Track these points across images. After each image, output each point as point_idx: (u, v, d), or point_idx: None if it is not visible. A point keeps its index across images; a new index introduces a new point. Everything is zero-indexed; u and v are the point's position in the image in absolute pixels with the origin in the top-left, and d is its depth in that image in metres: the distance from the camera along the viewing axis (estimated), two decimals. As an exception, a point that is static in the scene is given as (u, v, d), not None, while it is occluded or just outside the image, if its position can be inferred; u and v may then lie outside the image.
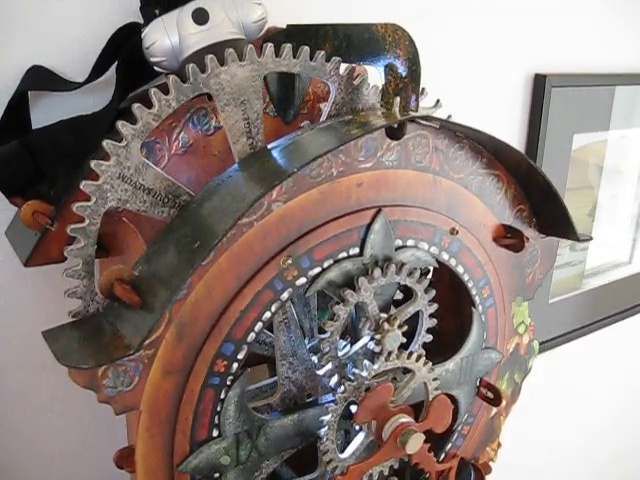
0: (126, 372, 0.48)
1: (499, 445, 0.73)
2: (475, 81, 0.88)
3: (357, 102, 0.55)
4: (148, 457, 0.51)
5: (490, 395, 0.67)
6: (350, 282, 0.54)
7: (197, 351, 0.50)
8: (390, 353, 0.56)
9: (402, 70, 0.52)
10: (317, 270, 0.53)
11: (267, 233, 0.50)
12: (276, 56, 0.51)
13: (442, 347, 0.65)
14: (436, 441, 0.64)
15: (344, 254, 0.54)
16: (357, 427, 0.59)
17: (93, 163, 0.47)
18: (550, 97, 0.91)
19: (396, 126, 0.52)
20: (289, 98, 0.61)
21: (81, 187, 0.47)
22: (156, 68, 0.57)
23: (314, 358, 0.60)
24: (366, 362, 0.56)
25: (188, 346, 0.49)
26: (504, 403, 0.71)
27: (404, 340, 0.57)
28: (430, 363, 0.59)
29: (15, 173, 0.55)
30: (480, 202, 0.61)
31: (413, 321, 0.61)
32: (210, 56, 0.48)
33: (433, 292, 0.58)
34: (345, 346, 0.58)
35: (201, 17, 0.54)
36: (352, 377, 0.56)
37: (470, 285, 0.62)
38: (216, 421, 0.52)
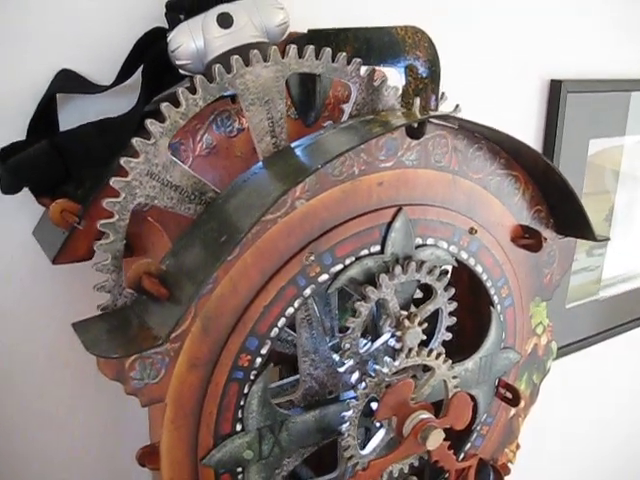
0: (153, 365, 0.49)
1: (518, 446, 0.74)
2: (491, 86, 0.89)
3: (377, 103, 0.56)
4: (173, 450, 0.51)
5: (509, 395, 0.68)
6: (371, 279, 0.55)
7: (222, 345, 0.51)
8: (410, 350, 0.57)
9: (422, 71, 0.53)
10: (339, 267, 0.54)
11: (291, 230, 0.51)
12: (299, 58, 0.52)
13: (461, 347, 0.65)
14: (455, 441, 0.64)
15: (365, 251, 0.55)
16: (378, 424, 0.60)
17: (122, 160, 0.48)
18: (566, 102, 0.92)
19: (416, 125, 0.53)
20: (310, 101, 0.62)
21: (111, 183, 0.48)
22: (181, 71, 0.58)
23: (335, 356, 0.60)
24: (387, 358, 0.57)
25: (213, 340, 0.50)
26: (523, 404, 0.72)
27: (424, 337, 0.58)
28: (450, 361, 0.59)
29: (44, 173, 0.56)
30: (498, 202, 0.61)
31: (433, 320, 0.62)
32: (235, 57, 0.50)
33: (452, 290, 0.59)
34: (366, 344, 0.59)
35: (225, 21, 0.56)
36: (373, 373, 0.56)
37: (489, 285, 0.63)
38: (239, 415, 0.53)
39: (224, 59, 0.54)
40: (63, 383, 0.70)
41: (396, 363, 0.57)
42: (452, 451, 0.60)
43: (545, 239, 0.64)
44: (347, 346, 0.56)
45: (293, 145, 0.52)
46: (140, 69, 0.61)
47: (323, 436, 0.58)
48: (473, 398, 0.66)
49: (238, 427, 0.53)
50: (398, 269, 0.55)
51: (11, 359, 0.67)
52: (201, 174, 0.56)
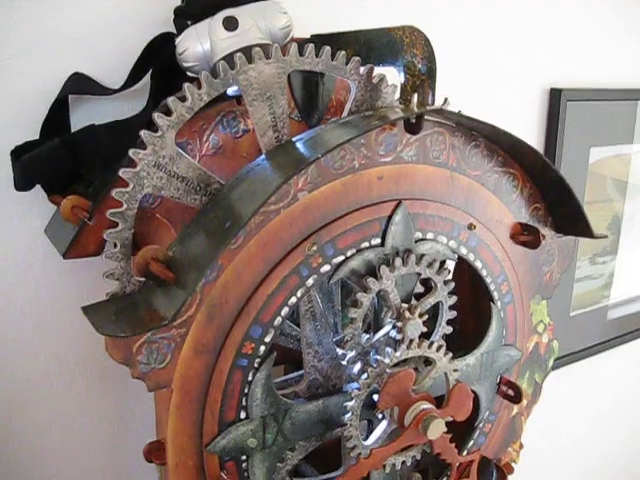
0: (159, 349, 0.50)
1: (521, 446, 0.74)
2: (491, 95, 0.91)
3: (376, 100, 0.58)
4: (178, 436, 0.53)
5: (510, 393, 0.69)
6: (372, 272, 0.57)
7: (226, 332, 0.52)
8: (411, 341, 0.58)
9: (419, 68, 0.55)
10: (341, 258, 0.55)
11: (293, 221, 0.53)
12: (300, 56, 0.54)
13: (463, 348, 0.66)
14: (458, 438, 0.65)
15: (366, 244, 0.56)
16: (380, 416, 0.61)
17: (131, 151, 0.50)
18: (566, 111, 0.94)
19: (414, 120, 0.55)
20: (313, 103, 0.64)
21: (120, 174, 0.50)
22: (189, 73, 0.61)
23: (339, 350, 0.62)
24: (388, 349, 0.58)
25: (218, 327, 0.52)
26: (525, 402, 0.73)
27: (425, 330, 0.59)
28: (450, 354, 0.60)
29: (55, 169, 0.58)
30: (497, 199, 0.63)
31: (433, 315, 0.63)
32: (239, 54, 0.52)
33: (452, 284, 0.60)
34: (368, 339, 0.60)
35: (231, 24, 0.58)
36: (374, 364, 0.58)
37: (489, 280, 0.64)
38: (244, 403, 0.54)
39: (229, 60, 0.56)
40: (73, 382, 0.71)
41: (397, 354, 0.58)
42: (454, 444, 0.61)
43: (543, 236, 0.65)
44: (349, 336, 0.57)
45: (295, 139, 0.54)
46: (149, 73, 0.64)
47: (326, 427, 0.59)
48: (475, 394, 0.67)
49: (242, 415, 0.54)
50: (398, 261, 0.57)
51: (22, 354, 0.68)
52: (208, 173, 0.59)
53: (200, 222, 0.51)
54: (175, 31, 0.62)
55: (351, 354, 0.58)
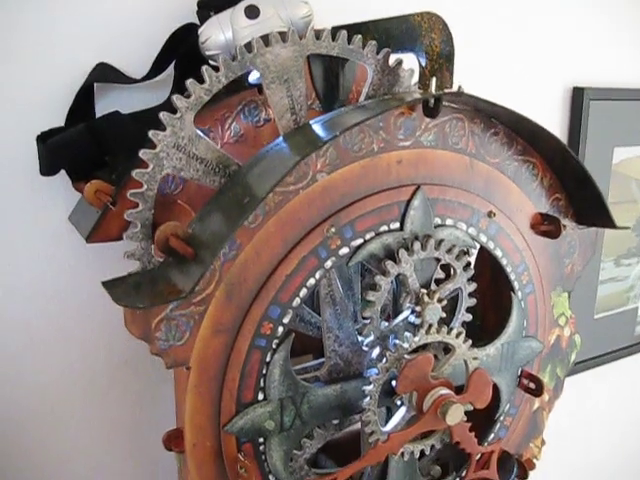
0: (178, 326, 0.51)
1: (543, 442, 0.73)
2: (513, 94, 0.91)
3: (393, 84, 0.58)
4: (196, 415, 0.53)
5: (532, 386, 0.68)
6: (391, 256, 0.57)
7: (245, 312, 0.53)
8: (430, 326, 0.58)
9: (437, 52, 0.55)
10: (359, 241, 0.56)
11: (312, 202, 0.53)
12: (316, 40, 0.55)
13: (484, 340, 0.66)
14: (479, 431, 0.64)
15: (385, 227, 0.57)
16: (398, 403, 0.60)
17: (151, 132, 0.51)
18: (589, 110, 0.93)
19: (432, 103, 0.55)
20: (334, 94, 0.65)
21: (140, 154, 0.51)
22: (211, 62, 0.62)
23: (360, 338, 0.61)
24: (407, 334, 0.58)
25: (236, 306, 0.52)
26: (547, 397, 0.72)
27: (443, 315, 0.59)
28: (470, 341, 0.60)
29: (80, 154, 0.59)
30: (516, 188, 0.63)
31: (453, 303, 0.63)
32: (256, 37, 0.53)
33: (472, 271, 0.60)
34: (387, 324, 0.60)
35: (252, 12, 0.59)
36: (393, 348, 0.57)
37: (509, 270, 0.64)
38: (262, 384, 0.54)
39: (249, 47, 0.57)
40: (95, 368, 0.72)
41: (416, 339, 0.58)
42: (473, 433, 0.61)
43: (564, 226, 0.65)
44: (368, 320, 0.57)
45: (312, 121, 0.55)
46: (172, 64, 0.65)
47: (344, 412, 0.59)
48: (495, 386, 0.67)
49: (260, 396, 0.55)
50: (417, 245, 0.57)
51: (47, 341, 0.69)
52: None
53: (219, 200, 0.52)
54: (198, 22, 0.63)
55: (370, 338, 0.58)
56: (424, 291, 0.58)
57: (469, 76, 0.66)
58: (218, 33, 0.60)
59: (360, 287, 0.67)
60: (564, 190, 0.66)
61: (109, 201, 0.59)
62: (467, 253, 0.61)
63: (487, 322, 0.70)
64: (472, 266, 0.63)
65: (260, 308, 0.53)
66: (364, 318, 0.57)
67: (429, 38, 0.56)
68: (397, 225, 0.57)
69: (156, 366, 0.71)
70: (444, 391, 0.57)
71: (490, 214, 0.61)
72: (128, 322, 0.49)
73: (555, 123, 0.96)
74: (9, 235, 0.65)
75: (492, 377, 0.65)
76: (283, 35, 0.57)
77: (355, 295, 0.65)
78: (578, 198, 0.66)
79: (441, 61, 0.55)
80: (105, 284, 0.49)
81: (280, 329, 0.54)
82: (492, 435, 0.68)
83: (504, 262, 0.64)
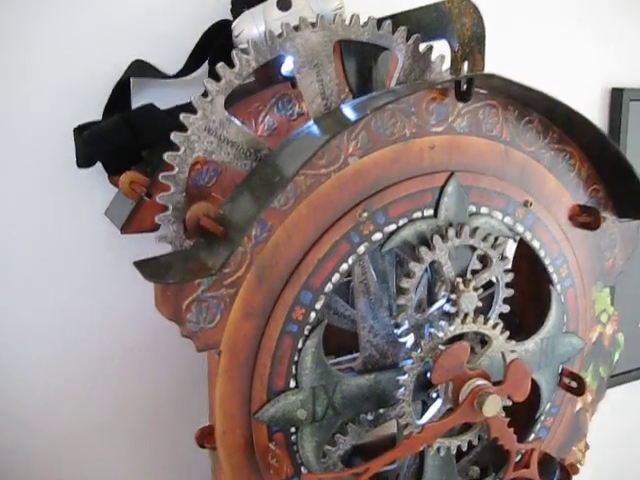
0: (208, 309, 0.50)
1: (587, 447, 0.70)
2: (552, 93, 0.90)
3: (424, 69, 0.58)
4: (227, 401, 0.52)
5: (573, 384, 0.66)
6: (424, 243, 0.56)
7: (276, 296, 0.52)
8: (466, 315, 0.57)
9: (468, 35, 0.55)
10: (392, 227, 0.55)
11: (344, 185, 0.53)
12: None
13: (523, 336, 0.64)
14: (519, 431, 0.62)
15: (418, 214, 0.56)
16: (434, 395, 0.59)
17: (182, 115, 0.51)
18: (628, 111, 0.92)
19: (464, 86, 0.55)
20: (367, 89, 0.65)
21: (171, 138, 0.51)
22: (244, 56, 0.62)
23: (396, 331, 0.60)
24: (442, 323, 0.57)
25: (268, 290, 0.52)
26: (589, 398, 0.69)
27: (480, 304, 0.57)
28: (507, 332, 0.59)
29: (115, 145, 0.60)
30: (553, 177, 0.62)
31: (490, 300, 0.61)
32: (285, 22, 0.53)
33: (509, 260, 0.59)
34: (422, 312, 0.59)
35: (285, 4, 0.60)
36: (428, 337, 0.56)
37: (547, 262, 0.62)
38: (293, 371, 0.53)
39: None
40: (128, 363, 0.72)
41: (451, 328, 0.56)
42: (512, 429, 0.59)
43: (604, 218, 0.64)
44: (401, 306, 0.56)
45: (343, 105, 0.55)
46: (207, 60, 0.66)
47: (378, 403, 0.58)
48: (535, 384, 0.65)
49: (292, 383, 0.54)
50: (451, 232, 0.56)
51: (82, 335, 0.70)
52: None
53: (249, 181, 0.52)
54: (232, 18, 0.64)
55: (404, 327, 0.57)
56: (459, 279, 0.57)
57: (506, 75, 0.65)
58: (251, 26, 0.61)
59: (395, 280, 0.66)
60: (602, 181, 0.64)
61: (143, 192, 0.59)
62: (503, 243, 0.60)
63: (526, 319, 0.68)
64: (510, 259, 0.62)
65: (291, 292, 0.52)
66: (398, 306, 0.56)
67: (460, 23, 0.56)
68: (431, 212, 0.56)
69: (190, 363, 0.71)
70: (481, 382, 0.56)
71: (527, 203, 0.60)
72: (159, 302, 0.49)
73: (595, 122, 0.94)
74: (46, 228, 0.66)
75: (532, 374, 0.64)
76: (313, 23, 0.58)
77: (390, 288, 0.64)
78: (618, 190, 0.65)
79: (472, 44, 0.55)
80: (136, 263, 0.49)
81: (312, 315, 0.53)
82: (532, 435, 0.66)
83: (542, 254, 0.62)
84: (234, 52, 0.52)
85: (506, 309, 0.60)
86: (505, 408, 0.60)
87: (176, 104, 0.66)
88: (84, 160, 0.61)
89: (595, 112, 0.94)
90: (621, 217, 0.66)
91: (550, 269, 0.63)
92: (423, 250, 0.55)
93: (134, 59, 0.65)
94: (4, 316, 0.67)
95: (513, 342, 0.59)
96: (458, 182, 0.57)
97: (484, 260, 0.59)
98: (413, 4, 0.61)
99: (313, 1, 0.61)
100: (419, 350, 0.56)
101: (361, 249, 0.54)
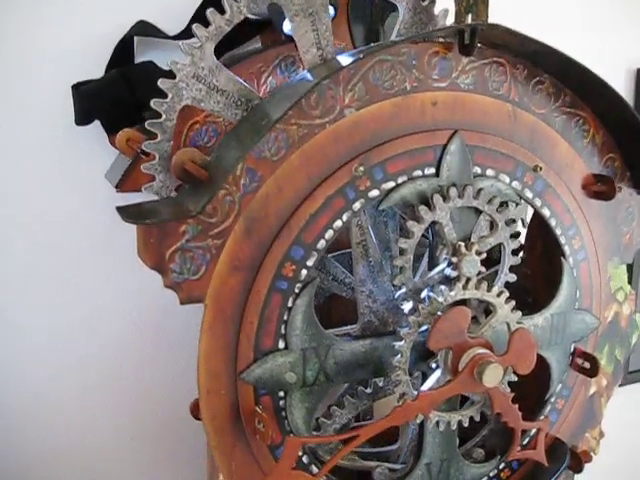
0: (193, 259, 0.48)
1: (602, 434, 0.66)
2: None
3: (427, 23, 0.56)
4: (211, 358, 0.50)
5: (586, 365, 0.62)
6: (425, 203, 0.53)
7: (265, 250, 0.50)
8: (468, 280, 0.54)
9: (474, -15, 0.53)
10: (391, 184, 0.52)
11: (339, 137, 0.51)
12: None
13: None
14: (528, 412, 0.59)
15: (419, 172, 0.53)
16: (434, 366, 0.56)
17: (169, 61, 0.50)
18: (654, 92, 0.88)
19: (468, 38, 0.52)
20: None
21: (158, 83, 0.50)
22: (250, 17, 0.61)
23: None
24: (442, 287, 0.54)
25: (256, 243, 0.49)
26: (605, 382, 0.66)
27: (483, 269, 0.54)
28: (513, 302, 0.55)
29: (113, 101, 0.59)
30: (565, 142, 0.59)
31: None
32: (279, -29, 0.52)
33: (516, 225, 0.56)
34: (422, 275, 0.56)
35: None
36: (427, 302, 0.53)
37: (558, 232, 0.59)
38: (282, 331, 0.51)
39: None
40: (130, 332, 0.71)
41: (452, 293, 0.53)
42: (517, 406, 0.55)
43: (619, 188, 0.60)
44: (399, 266, 0.53)
45: (339, 55, 0.53)
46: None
47: (374, 371, 0.55)
48: (545, 362, 0.61)
49: (281, 344, 0.51)
50: (453, 191, 0.53)
51: (80, 299, 0.69)
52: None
53: (237, 128, 0.50)
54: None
55: (402, 291, 0.55)
56: (462, 243, 0.54)
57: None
58: (252, -16, 0.59)
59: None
60: (619, 150, 0.61)
61: (140, 149, 0.58)
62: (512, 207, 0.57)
63: (539, 298, 0.64)
64: (522, 233, 0.59)
65: (282, 247, 0.50)
66: (396, 267, 0.54)
67: (465, -27, 0.53)
68: (432, 171, 0.54)
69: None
70: (482, 350, 0.53)
71: (536, 168, 0.57)
72: (141, 250, 0.47)
73: (617, 107, 0.91)
74: (44, 186, 0.65)
75: (541, 351, 0.60)
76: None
77: (393, 256, 0.62)
78: (636, 160, 0.61)
79: (477, -5, 0.53)
80: (119, 208, 0.48)
81: (304, 272, 0.51)
82: (542, 418, 0.62)
83: (553, 223, 0.59)
84: (225, -1, 0.51)
85: (512, 278, 0.57)
86: (514, 389, 0.57)
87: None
88: (82, 117, 0.60)
89: (622, 93, 0.91)
90: (638, 189, 0.62)
91: (562, 240, 0.60)
92: (422, 209, 0.52)
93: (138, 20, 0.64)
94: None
95: (519, 313, 0.56)
96: (462, 141, 0.54)
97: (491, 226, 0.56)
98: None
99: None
100: (417, 315, 0.53)
101: (357, 205, 0.52)
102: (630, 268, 0.65)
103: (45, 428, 0.71)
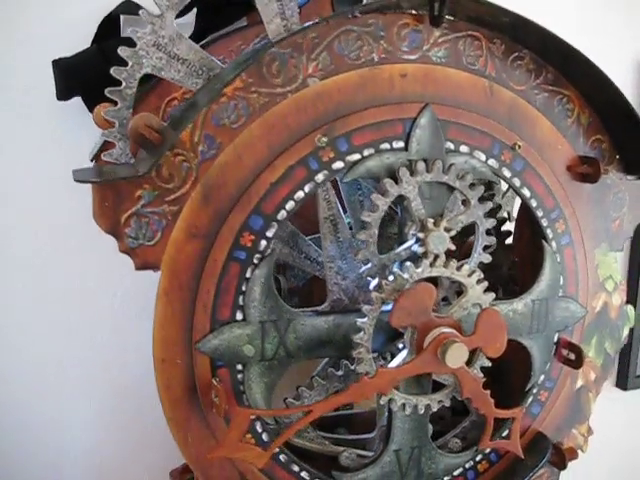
0: (149, 225, 0.48)
1: (590, 431, 0.63)
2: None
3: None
4: (166, 326, 0.49)
5: (571, 357, 0.59)
6: (393, 177, 0.52)
7: (223, 218, 0.49)
8: (436, 257, 0.52)
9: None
10: (356, 157, 0.51)
11: (302, 108, 0.50)
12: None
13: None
14: (511, 404, 0.57)
15: (386, 145, 0.52)
16: (400, 346, 0.54)
17: (130, 29, 0.50)
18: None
19: (437, 13, 0.51)
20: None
21: (118, 51, 0.50)
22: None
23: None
24: (408, 263, 0.52)
25: (214, 210, 0.49)
26: (593, 376, 0.63)
27: (452, 247, 0.53)
28: (486, 283, 0.53)
29: (92, 75, 0.59)
30: (547, 121, 0.57)
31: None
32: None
33: (489, 204, 0.54)
34: (389, 252, 0.55)
35: None
36: (392, 277, 0.52)
37: (540, 214, 0.57)
38: (240, 302, 0.50)
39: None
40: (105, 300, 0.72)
41: (418, 270, 0.52)
42: (489, 392, 0.53)
43: (606, 170, 0.58)
44: (363, 243, 0.52)
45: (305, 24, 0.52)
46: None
47: (339, 349, 0.53)
48: (527, 352, 0.59)
49: (239, 315, 0.50)
50: (421, 165, 0.52)
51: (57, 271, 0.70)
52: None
53: (197, 94, 0.50)
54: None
55: (368, 266, 0.53)
56: (431, 219, 0.53)
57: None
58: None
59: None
60: (608, 132, 0.59)
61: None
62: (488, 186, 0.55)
63: (526, 284, 0.62)
64: (490, 204, 0.56)
65: (240, 216, 0.49)
66: (361, 242, 0.52)
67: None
68: (401, 144, 0.52)
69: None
70: (447, 330, 0.51)
71: (515, 146, 0.56)
72: (96, 214, 0.47)
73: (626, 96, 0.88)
74: (29, 162, 0.66)
75: (522, 338, 0.58)
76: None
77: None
78: (625, 143, 0.59)
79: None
80: (74, 173, 0.48)
81: (263, 243, 0.50)
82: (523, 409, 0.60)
83: (533, 204, 0.57)
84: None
85: (487, 258, 0.55)
86: (495, 379, 0.55)
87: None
88: (62, 92, 0.61)
89: (624, 87, 0.87)
90: (630, 173, 0.60)
91: (544, 222, 0.58)
92: (388, 182, 0.51)
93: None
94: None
95: (492, 294, 0.54)
96: (433, 114, 0.53)
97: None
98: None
99: None
100: (381, 291, 0.51)
101: (320, 177, 0.51)
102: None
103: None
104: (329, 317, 0.53)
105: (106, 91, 0.51)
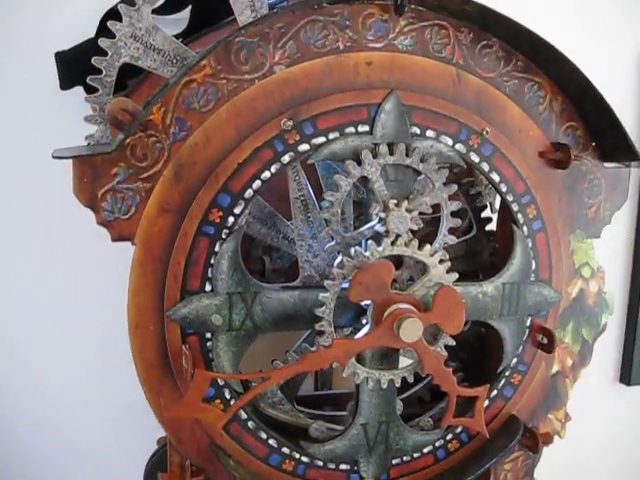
0: (124, 200, 0.52)
1: (567, 417, 0.63)
2: (582, 61, 0.84)
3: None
4: (139, 294, 0.53)
5: (545, 341, 0.60)
6: (357, 159, 0.55)
7: (193, 195, 0.53)
8: (397, 237, 0.54)
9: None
10: (321, 140, 0.54)
11: (269, 93, 0.53)
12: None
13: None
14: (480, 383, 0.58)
15: (351, 129, 0.55)
16: (364, 322, 0.56)
17: (109, 22, 0.55)
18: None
19: (399, 2, 0.53)
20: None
21: (98, 42, 0.55)
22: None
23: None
24: (370, 242, 0.54)
25: (185, 188, 0.53)
26: (570, 362, 0.63)
27: (415, 227, 0.55)
28: (449, 263, 0.55)
29: (90, 64, 0.64)
30: (517, 108, 0.58)
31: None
32: None
33: (454, 187, 0.56)
34: (352, 231, 0.57)
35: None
36: (353, 255, 0.54)
37: (510, 198, 0.58)
38: (209, 274, 0.54)
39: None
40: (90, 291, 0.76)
41: (379, 248, 0.54)
42: (451, 369, 0.55)
43: (579, 157, 0.59)
44: (327, 221, 0.54)
45: (272, 13, 0.55)
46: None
47: (305, 323, 0.56)
48: (498, 335, 0.60)
49: (207, 287, 0.54)
50: (383, 148, 0.54)
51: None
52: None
53: (170, 79, 0.54)
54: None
55: (331, 243, 0.56)
56: (393, 200, 0.55)
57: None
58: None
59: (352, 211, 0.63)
60: (582, 119, 0.60)
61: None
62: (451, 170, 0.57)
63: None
64: (455, 186, 0.57)
65: (209, 193, 0.53)
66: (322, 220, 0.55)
67: None
68: (366, 128, 0.55)
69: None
70: (404, 305, 0.53)
71: (483, 132, 0.57)
72: (76, 188, 0.52)
73: (627, 93, 0.87)
74: (32, 151, 0.72)
75: (491, 320, 0.59)
76: None
77: (347, 220, 0.62)
78: (601, 131, 0.59)
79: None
80: (54, 153, 0.53)
81: (230, 219, 0.54)
82: (495, 392, 0.61)
83: (503, 189, 0.58)
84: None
85: (453, 240, 0.57)
86: (470, 362, 0.56)
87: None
88: (64, 82, 0.66)
89: (629, 80, 0.87)
90: (606, 160, 0.60)
91: (514, 207, 0.59)
92: (350, 163, 0.54)
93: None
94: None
95: (455, 274, 0.55)
96: (398, 100, 0.55)
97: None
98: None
99: None
100: (342, 267, 0.54)
101: (285, 158, 0.54)
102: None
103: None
104: (294, 292, 0.56)
105: (88, 79, 0.55)
